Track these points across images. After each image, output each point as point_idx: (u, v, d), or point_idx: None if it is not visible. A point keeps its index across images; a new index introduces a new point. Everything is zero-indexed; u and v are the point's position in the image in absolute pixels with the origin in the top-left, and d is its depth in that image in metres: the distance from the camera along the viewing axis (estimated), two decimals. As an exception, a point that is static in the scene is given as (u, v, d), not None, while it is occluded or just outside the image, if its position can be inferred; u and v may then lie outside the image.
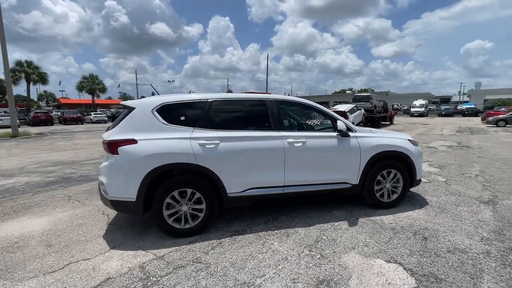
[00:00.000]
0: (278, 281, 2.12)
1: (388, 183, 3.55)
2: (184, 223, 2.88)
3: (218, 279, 2.16)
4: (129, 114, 2.91)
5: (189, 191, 2.85)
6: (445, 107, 37.95)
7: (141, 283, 2.12)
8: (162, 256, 2.53)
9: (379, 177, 3.49)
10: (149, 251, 2.63)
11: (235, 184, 2.98)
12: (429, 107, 39.58)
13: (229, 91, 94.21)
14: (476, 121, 24.44)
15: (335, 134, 3.36)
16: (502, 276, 2.12)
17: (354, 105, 16.93)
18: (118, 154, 2.73)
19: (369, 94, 20.67)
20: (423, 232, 2.88)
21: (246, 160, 3.00)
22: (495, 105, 36.83)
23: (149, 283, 2.12)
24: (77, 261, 2.48)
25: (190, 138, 2.87)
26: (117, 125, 2.96)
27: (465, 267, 2.24)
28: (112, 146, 2.75)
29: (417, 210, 3.50)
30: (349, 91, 67.73)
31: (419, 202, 3.79)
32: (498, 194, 4.09)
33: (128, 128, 2.85)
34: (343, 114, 15.06)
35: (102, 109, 42.23)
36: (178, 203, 2.85)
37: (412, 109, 36.62)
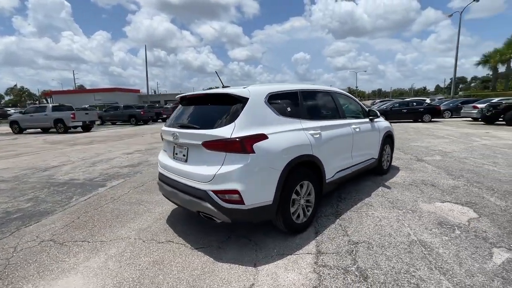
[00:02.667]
0: (420, 232, 2.68)
1: (386, 155, 4.80)
2: (302, 217, 2.79)
3: (392, 247, 2.44)
4: (246, 106, 2.42)
5: (305, 183, 2.78)
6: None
7: (358, 274, 2.06)
8: (319, 252, 2.43)
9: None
10: (297, 253, 2.42)
11: (330, 170, 3.16)
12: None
13: (81, 86, 75.85)
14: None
15: (367, 119, 4.17)
16: (492, 192, 3.70)
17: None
18: (254, 152, 2.27)
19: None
20: (426, 182, 4.26)
21: (336, 147, 3.24)
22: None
23: (358, 272, 2.10)
24: (245, 292, 1.94)
25: (303, 129, 2.79)
26: (217, 119, 2.41)
27: (473, 193, 3.69)
28: (247, 144, 2.25)
29: (401, 172, 4.96)
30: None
31: (392, 167, 5.33)
32: (416, 155, 6.39)
33: (249, 122, 2.38)
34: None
35: None
36: (298, 196, 2.72)
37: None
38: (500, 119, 13.39)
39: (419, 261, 2.22)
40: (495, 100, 15.28)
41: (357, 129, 3.72)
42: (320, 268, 2.19)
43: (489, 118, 13.75)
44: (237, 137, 2.25)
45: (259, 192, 2.32)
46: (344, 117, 3.61)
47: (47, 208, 3.63)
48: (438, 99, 27.84)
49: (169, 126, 2.93)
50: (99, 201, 3.86)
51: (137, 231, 2.93)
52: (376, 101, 31.51)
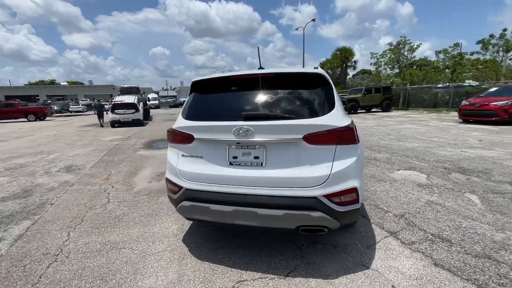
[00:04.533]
0: (420, 195, 3.34)
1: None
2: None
3: (424, 211, 2.90)
4: (333, 89, 2.03)
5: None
6: (172, 100, 45.92)
7: (440, 240, 2.28)
8: (391, 232, 2.52)
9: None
10: (378, 241, 2.40)
11: None
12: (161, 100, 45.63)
13: None
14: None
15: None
16: (410, 158, 5.07)
17: (136, 96, 15.97)
18: (359, 141, 1.98)
19: (136, 86, 19.99)
20: (369, 158, 5.27)
21: None
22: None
23: (439, 238, 2.35)
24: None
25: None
26: (310, 105, 1.98)
27: (403, 161, 4.93)
28: (356, 132, 1.94)
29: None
30: (87, 84, 60.05)
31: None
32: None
33: (341, 108, 2.05)
34: (134, 105, 14.00)
35: None
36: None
37: (148, 102, 40.09)
38: (343, 109, 18.49)
39: (452, 216, 2.76)
40: (337, 96, 20.90)
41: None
42: (413, 246, 2.27)
43: (337, 109, 18.70)
44: (348, 125, 1.89)
45: (362, 186, 2.08)
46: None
47: None
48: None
49: (208, 120, 2.02)
50: (33, 266, 2.10)
51: (173, 288, 1.86)
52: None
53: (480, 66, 18.01)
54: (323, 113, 1.90)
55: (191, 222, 2.81)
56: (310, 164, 1.85)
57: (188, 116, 2.15)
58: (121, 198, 3.56)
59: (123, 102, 14.18)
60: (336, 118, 1.89)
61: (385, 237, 2.44)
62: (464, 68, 18.96)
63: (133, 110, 13.81)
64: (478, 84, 19.19)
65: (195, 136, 2.03)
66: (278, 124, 1.86)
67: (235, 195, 1.91)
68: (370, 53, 23.24)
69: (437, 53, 20.62)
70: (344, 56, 31.30)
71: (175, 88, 74.63)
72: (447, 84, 20.94)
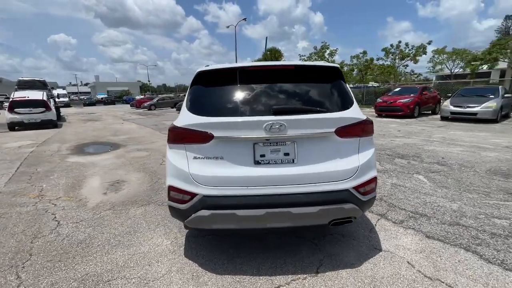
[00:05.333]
0: (383, 179, 3.83)
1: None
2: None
3: (395, 193, 3.33)
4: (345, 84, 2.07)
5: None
6: (87, 97, 39.38)
7: (419, 216, 2.66)
8: (381, 215, 2.79)
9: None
10: (374, 224, 2.62)
11: None
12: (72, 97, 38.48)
13: None
14: (126, 109, 29.09)
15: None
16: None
17: (44, 92, 12.98)
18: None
19: (41, 79, 16.15)
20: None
21: None
22: (122, 95, 45.50)
23: (418, 215, 2.74)
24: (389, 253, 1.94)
25: None
26: (332, 98, 2.01)
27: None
28: (373, 125, 2.03)
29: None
30: None
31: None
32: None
33: None
34: (44, 103, 11.45)
35: None
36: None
37: (57, 99, 33.33)
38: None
39: (416, 194, 3.27)
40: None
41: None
42: (403, 223, 2.58)
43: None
44: (368, 118, 1.98)
45: (374, 174, 2.22)
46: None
47: None
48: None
49: (230, 115, 1.78)
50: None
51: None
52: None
53: (384, 71, 22.03)
54: (348, 107, 1.94)
55: (185, 234, 2.47)
56: (340, 157, 1.87)
57: (200, 111, 1.85)
58: (76, 218, 2.83)
59: (26, 99, 11.33)
60: (358, 111, 1.96)
61: (378, 219, 2.69)
62: (372, 71, 22.77)
63: (43, 109, 11.20)
64: (378, 85, 23.43)
65: (215, 134, 1.77)
66: (312, 118, 1.80)
67: (266, 196, 1.76)
68: (299, 55, 25.32)
69: (352, 58, 24.11)
70: (274, 56, 33.15)
71: (88, 83, 64.09)
72: (356, 84, 24.75)
